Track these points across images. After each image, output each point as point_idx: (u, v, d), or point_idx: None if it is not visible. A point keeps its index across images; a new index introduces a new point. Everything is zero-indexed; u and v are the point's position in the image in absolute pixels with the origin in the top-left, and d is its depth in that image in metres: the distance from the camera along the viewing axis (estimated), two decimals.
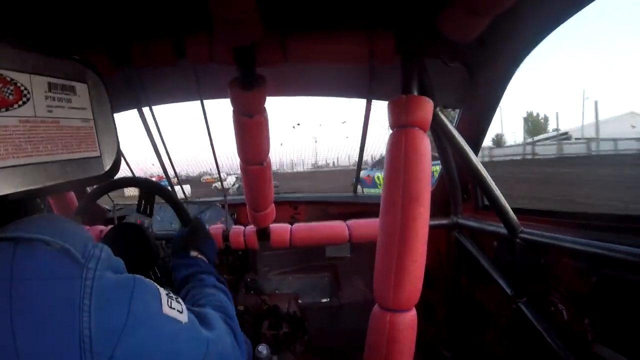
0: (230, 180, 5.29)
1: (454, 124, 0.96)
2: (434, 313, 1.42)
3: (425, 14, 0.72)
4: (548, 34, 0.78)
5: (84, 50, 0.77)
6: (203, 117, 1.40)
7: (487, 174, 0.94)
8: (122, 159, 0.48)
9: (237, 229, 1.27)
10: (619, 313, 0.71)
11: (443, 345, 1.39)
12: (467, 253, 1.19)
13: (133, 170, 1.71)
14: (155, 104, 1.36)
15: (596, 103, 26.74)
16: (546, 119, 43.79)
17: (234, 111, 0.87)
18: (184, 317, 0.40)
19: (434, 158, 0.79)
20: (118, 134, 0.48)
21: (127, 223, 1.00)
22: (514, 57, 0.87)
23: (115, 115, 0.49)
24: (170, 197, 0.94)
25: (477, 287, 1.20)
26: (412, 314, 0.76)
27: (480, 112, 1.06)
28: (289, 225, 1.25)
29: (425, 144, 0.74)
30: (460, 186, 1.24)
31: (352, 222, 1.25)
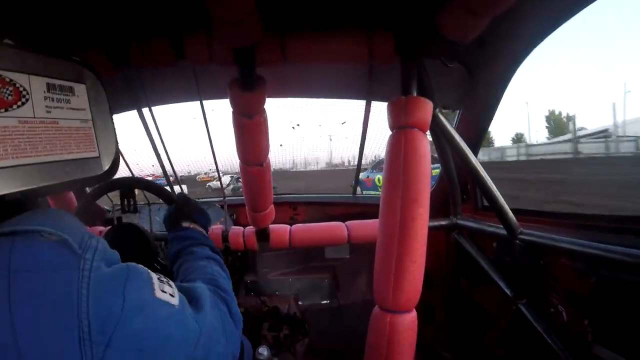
0: (224, 180, 5.30)
1: (453, 125, 0.96)
2: (434, 314, 1.42)
3: (425, 14, 0.72)
4: (548, 34, 0.78)
5: (84, 50, 0.77)
6: (203, 117, 1.40)
7: (486, 174, 0.94)
8: (120, 158, 0.48)
9: (236, 229, 1.27)
10: (619, 314, 0.71)
11: (443, 346, 1.38)
12: (467, 254, 1.19)
13: (132, 170, 1.71)
14: (155, 104, 1.36)
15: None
16: (569, 117, 41.50)
17: (233, 112, 0.87)
18: (175, 300, 0.40)
19: (434, 160, 0.79)
20: (117, 134, 0.48)
21: (126, 223, 1.00)
22: (514, 58, 0.87)
23: (114, 116, 0.49)
24: (146, 185, 0.96)
25: (477, 289, 1.20)
26: (413, 315, 0.76)
27: (479, 113, 1.05)
28: (289, 226, 1.25)
29: (425, 145, 0.74)
30: (459, 187, 1.24)
31: (351, 223, 1.25)
